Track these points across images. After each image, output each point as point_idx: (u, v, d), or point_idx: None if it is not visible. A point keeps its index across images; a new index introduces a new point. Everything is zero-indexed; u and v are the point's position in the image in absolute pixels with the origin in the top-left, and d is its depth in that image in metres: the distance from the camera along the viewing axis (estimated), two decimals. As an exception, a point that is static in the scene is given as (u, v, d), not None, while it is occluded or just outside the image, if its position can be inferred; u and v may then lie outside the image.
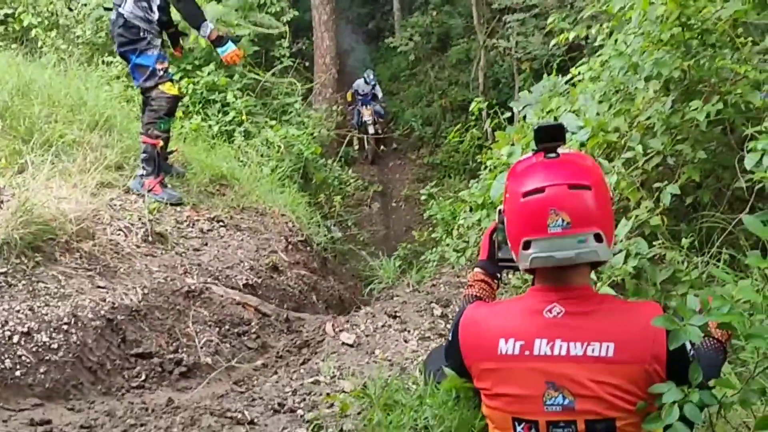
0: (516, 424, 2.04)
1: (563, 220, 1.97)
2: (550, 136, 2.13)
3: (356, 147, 15.55)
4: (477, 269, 2.60)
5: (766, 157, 3.24)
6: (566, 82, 5.69)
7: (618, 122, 4.25)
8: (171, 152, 6.34)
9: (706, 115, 3.75)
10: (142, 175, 5.63)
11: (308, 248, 6.50)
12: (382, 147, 16.16)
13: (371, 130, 15.25)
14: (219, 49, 5.80)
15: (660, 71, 4.03)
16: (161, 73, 5.57)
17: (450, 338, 2.29)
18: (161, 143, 5.68)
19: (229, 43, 5.77)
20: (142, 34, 5.56)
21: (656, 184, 3.97)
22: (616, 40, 4.64)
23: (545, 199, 2.00)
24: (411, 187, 15.39)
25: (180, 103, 8.76)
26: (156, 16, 5.58)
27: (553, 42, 5.38)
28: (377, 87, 16.03)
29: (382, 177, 15.67)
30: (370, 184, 15.50)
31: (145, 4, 5.54)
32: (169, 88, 5.62)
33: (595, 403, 1.94)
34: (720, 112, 3.77)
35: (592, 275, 3.73)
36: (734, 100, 3.80)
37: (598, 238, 2.00)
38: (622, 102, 4.42)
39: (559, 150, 2.11)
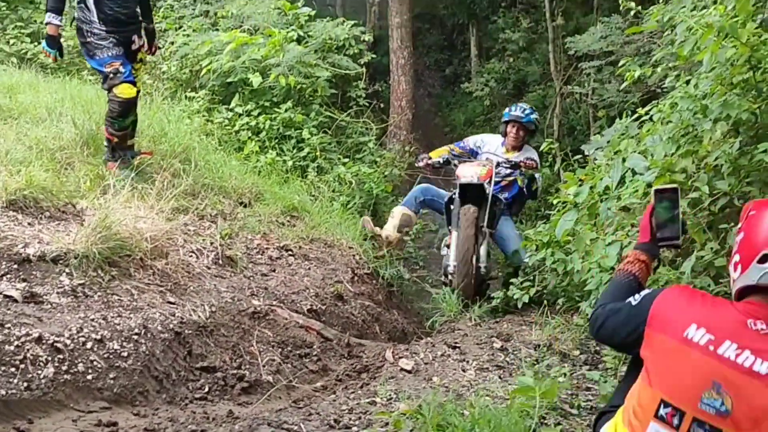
0: (662, 406, 2.03)
1: None
2: None
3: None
4: (637, 250, 2.62)
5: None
6: (637, 125, 5.68)
7: (685, 163, 4.23)
8: (138, 153, 6.12)
9: (775, 157, 3.73)
10: (106, 158, 5.76)
11: (374, 281, 6.58)
12: None
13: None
14: (43, 42, 5.71)
15: (728, 113, 4.02)
16: (111, 75, 5.49)
17: (635, 303, 2.29)
18: (116, 140, 5.71)
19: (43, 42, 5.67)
20: (86, 36, 5.54)
21: (722, 226, 3.95)
22: (687, 82, 4.65)
23: None
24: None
25: (256, 138, 9.05)
26: (94, 14, 5.50)
27: (623, 84, 5.42)
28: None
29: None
30: (440, 227, 15.50)
31: (82, 4, 5.53)
32: (122, 91, 5.52)
33: (751, 424, 1.91)
34: (789, 155, 3.73)
35: None
36: (804, 144, 3.76)
37: None
38: (690, 143, 4.40)
39: None
